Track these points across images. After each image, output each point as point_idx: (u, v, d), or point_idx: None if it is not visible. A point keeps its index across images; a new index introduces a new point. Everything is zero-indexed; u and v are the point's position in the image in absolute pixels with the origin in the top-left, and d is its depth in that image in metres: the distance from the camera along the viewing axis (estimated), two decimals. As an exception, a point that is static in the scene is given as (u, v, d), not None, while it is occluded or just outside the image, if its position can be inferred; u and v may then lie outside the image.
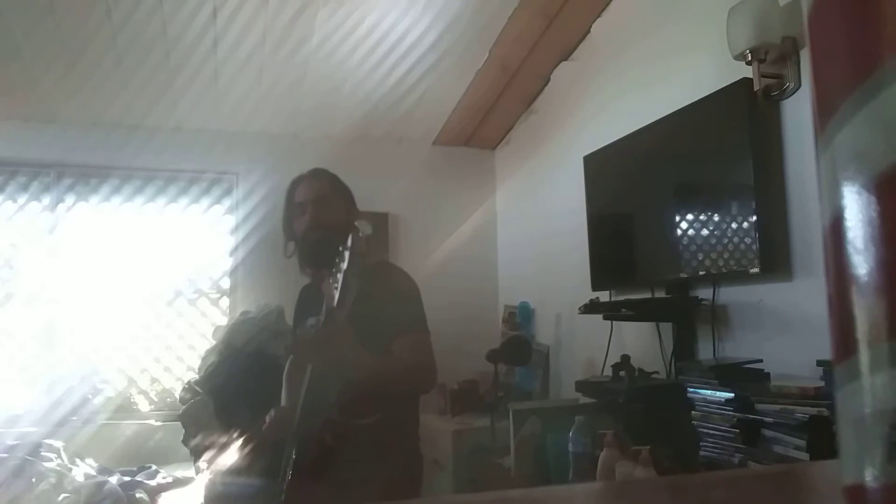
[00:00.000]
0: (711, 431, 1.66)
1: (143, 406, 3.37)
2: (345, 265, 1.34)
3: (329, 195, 1.67)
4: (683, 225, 2.06)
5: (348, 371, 1.46)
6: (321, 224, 1.63)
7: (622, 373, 2.11)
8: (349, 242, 1.35)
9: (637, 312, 2.22)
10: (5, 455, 2.56)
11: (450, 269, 3.56)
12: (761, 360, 1.75)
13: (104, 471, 2.75)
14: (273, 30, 2.74)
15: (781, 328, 1.78)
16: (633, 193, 2.37)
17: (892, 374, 0.20)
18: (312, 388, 1.52)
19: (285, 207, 1.74)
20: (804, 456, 1.41)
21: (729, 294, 1.97)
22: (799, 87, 1.75)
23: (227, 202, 3.55)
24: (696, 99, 1.98)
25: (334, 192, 1.69)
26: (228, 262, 3.49)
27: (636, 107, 2.38)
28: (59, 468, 2.59)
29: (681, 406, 1.76)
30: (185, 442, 2.81)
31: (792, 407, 1.46)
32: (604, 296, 2.48)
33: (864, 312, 0.21)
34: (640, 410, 1.96)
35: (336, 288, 1.37)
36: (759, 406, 1.54)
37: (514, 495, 0.44)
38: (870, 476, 0.20)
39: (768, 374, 1.72)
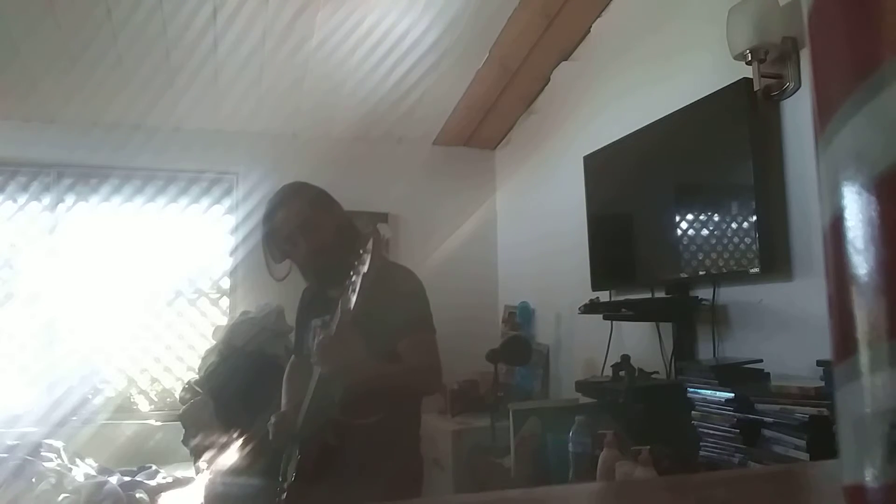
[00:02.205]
0: (711, 431, 1.65)
1: (143, 406, 3.37)
2: (365, 268, 1.32)
3: (311, 215, 1.61)
4: (683, 225, 2.06)
5: (355, 376, 1.45)
6: (316, 252, 1.59)
7: (622, 373, 2.10)
8: (369, 246, 1.33)
9: (637, 312, 2.22)
10: (5, 455, 2.56)
11: (450, 269, 3.55)
12: (761, 360, 1.75)
13: (104, 471, 2.75)
14: (273, 30, 2.74)
15: (781, 328, 1.78)
16: (633, 193, 2.37)
17: (892, 374, 0.20)
18: (319, 389, 1.51)
19: (266, 232, 1.66)
20: (804, 456, 1.41)
21: (729, 294, 1.97)
22: (799, 87, 1.75)
23: (227, 202, 3.55)
24: (696, 99, 1.98)
25: (314, 210, 1.62)
26: (228, 262, 3.49)
27: (636, 107, 2.38)
28: (59, 468, 2.59)
29: (681, 406, 1.76)
30: (185, 442, 2.81)
31: (792, 407, 1.46)
32: (604, 296, 2.48)
33: (864, 312, 0.21)
34: (640, 410, 1.96)
35: (353, 291, 1.35)
36: (759, 406, 1.54)
37: (514, 495, 0.44)
38: (870, 476, 0.20)
39: (768, 374, 1.72)
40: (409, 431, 1.67)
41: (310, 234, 1.60)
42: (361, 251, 1.34)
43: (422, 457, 1.72)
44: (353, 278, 1.35)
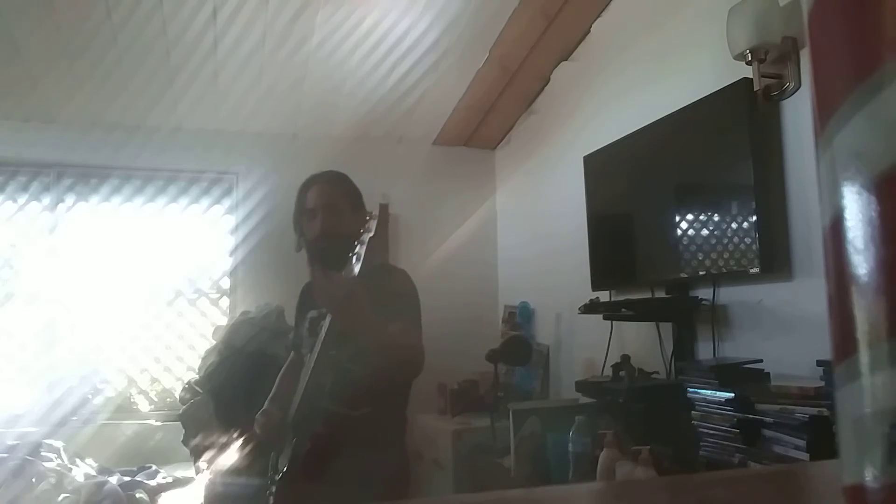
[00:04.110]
0: (711, 431, 1.66)
1: (143, 406, 3.37)
2: (371, 234, 1.34)
3: (339, 203, 1.66)
4: (683, 225, 2.06)
5: (362, 333, 1.44)
6: (330, 233, 1.63)
7: (622, 373, 2.11)
8: (375, 212, 1.35)
9: (637, 312, 2.22)
10: (5, 455, 2.56)
11: (450, 269, 3.56)
12: (761, 360, 1.75)
13: (104, 471, 2.75)
14: (273, 30, 2.74)
15: (781, 328, 1.78)
16: (633, 193, 2.37)
17: (892, 374, 0.20)
18: (313, 378, 1.52)
19: (296, 206, 1.73)
20: (804, 456, 1.41)
21: (729, 294, 1.97)
22: (799, 87, 1.75)
23: (227, 202, 3.55)
24: (696, 99, 1.98)
25: (345, 199, 1.68)
26: (228, 262, 3.49)
27: (636, 107, 2.38)
28: (59, 468, 2.59)
29: (681, 406, 1.76)
30: (185, 442, 2.81)
31: (792, 407, 1.46)
32: (604, 296, 2.48)
33: (864, 312, 0.21)
34: (640, 410, 1.96)
35: (358, 260, 1.36)
36: (759, 406, 1.54)
37: (514, 495, 0.44)
38: (870, 476, 0.20)
39: (768, 374, 1.72)
40: (395, 428, 1.67)
41: (329, 215, 1.64)
42: (368, 217, 1.35)
43: (407, 455, 1.72)
44: (358, 248, 1.36)
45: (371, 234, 1.34)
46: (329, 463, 1.48)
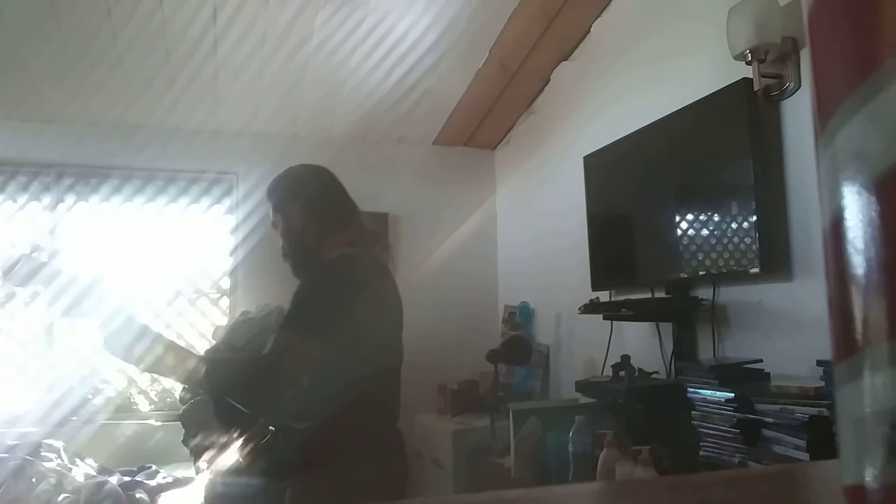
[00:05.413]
0: (711, 431, 1.66)
1: (143, 406, 3.37)
2: None
3: (279, 218, 1.62)
4: (683, 225, 2.06)
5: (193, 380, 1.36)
6: (283, 252, 1.62)
7: (622, 373, 2.10)
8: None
9: (637, 312, 2.22)
10: (5, 455, 2.56)
11: (450, 269, 3.56)
12: (761, 360, 1.75)
13: (104, 471, 2.75)
14: (273, 30, 2.74)
15: (781, 328, 1.78)
16: (633, 193, 2.37)
17: (892, 374, 0.20)
18: None
19: None
20: (804, 456, 1.41)
21: (729, 294, 1.97)
22: (799, 87, 1.75)
23: (227, 202, 3.55)
24: (696, 99, 1.98)
25: (278, 211, 1.62)
26: (228, 262, 3.49)
27: (636, 107, 2.38)
28: (59, 468, 2.59)
29: (681, 406, 1.76)
30: (185, 442, 2.80)
31: (792, 407, 1.46)
32: (604, 296, 2.48)
33: (864, 312, 0.21)
34: (640, 410, 1.96)
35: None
36: (759, 406, 1.54)
37: (514, 495, 0.44)
38: (870, 476, 0.20)
39: (768, 374, 1.72)
40: (347, 447, 1.39)
41: (280, 233, 1.63)
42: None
43: (371, 482, 1.39)
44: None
45: None
46: (283, 471, 1.44)
